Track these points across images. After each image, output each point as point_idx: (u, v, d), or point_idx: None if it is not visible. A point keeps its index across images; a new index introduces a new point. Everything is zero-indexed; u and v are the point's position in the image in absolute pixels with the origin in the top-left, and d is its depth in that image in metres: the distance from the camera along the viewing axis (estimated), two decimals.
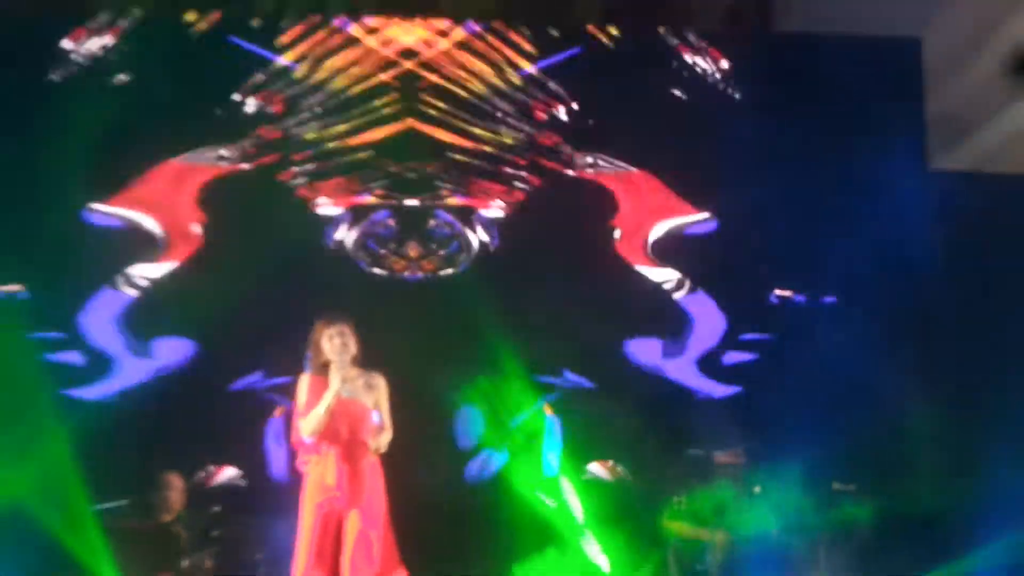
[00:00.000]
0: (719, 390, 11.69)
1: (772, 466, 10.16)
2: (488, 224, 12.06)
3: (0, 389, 10.39)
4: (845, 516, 10.08)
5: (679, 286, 11.91)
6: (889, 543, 9.88)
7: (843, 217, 11.41)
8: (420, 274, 11.74)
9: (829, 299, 11.81)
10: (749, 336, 11.83)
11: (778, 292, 11.91)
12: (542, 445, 11.65)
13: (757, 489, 10.08)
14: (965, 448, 10.52)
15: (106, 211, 11.43)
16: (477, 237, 11.95)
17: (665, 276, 11.94)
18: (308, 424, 7.91)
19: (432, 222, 11.92)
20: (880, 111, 11.76)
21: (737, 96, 12.27)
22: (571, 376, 11.69)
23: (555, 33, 12.37)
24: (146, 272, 11.39)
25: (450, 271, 11.73)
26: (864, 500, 10.21)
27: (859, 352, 10.47)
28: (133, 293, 11.33)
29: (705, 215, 12.05)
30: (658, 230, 12.13)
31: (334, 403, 7.82)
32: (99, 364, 11.25)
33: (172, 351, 11.21)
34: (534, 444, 11.61)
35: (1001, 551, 9.58)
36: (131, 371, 11.21)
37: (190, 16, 11.96)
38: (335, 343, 7.85)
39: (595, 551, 10.85)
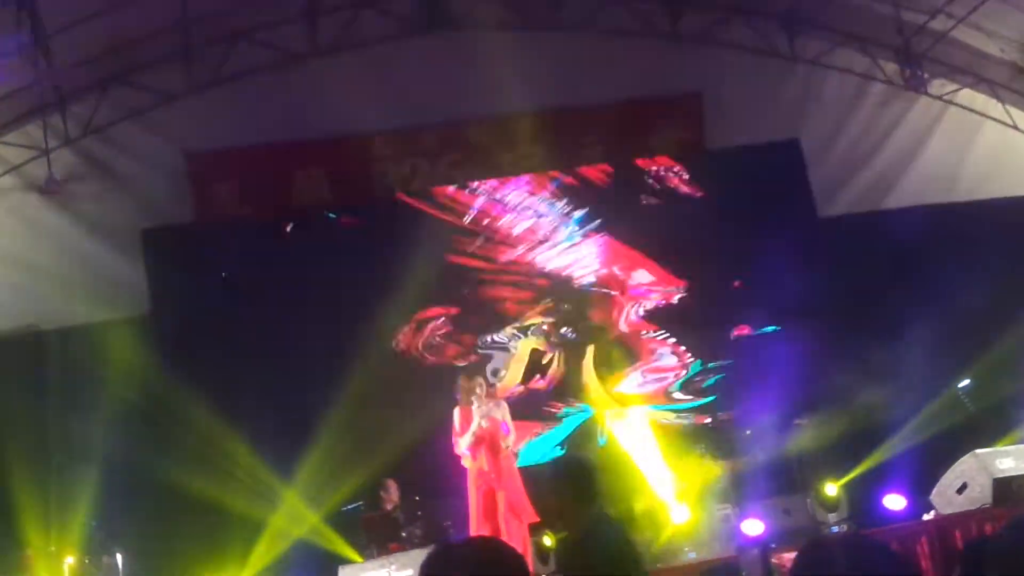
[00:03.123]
0: None
1: (756, 417, 14.38)
2: None
3: None
4: (804, 441, 14.10)
5: None
6: (833, 452, 13.87)
7: None
8: None
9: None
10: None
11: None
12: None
13: (748, 432, 14.39)
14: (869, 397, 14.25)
15: None
16: None
17: None
18: (463, 443, 12.00)
19: None
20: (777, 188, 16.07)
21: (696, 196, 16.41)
22: None
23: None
24: None
25: None
26: (814, 429, 14.13)
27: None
28: None
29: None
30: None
31: (478, 430, 11.93)
32: None
33: None
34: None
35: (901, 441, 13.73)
36: None
37: None
38: (474, 389, 12.14)
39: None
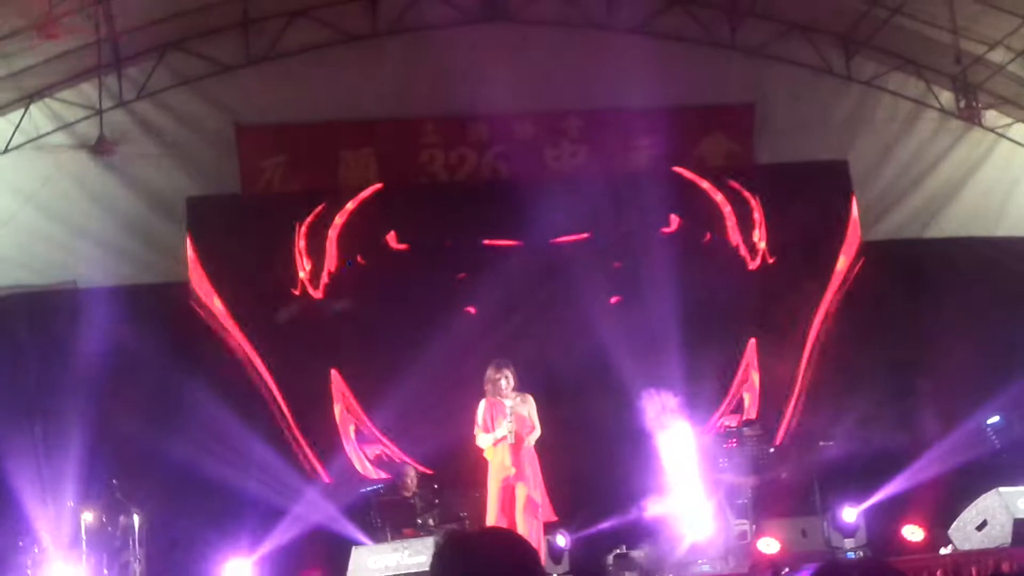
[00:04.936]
0: None
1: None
2: None
3: None
4: (826, 460, 13.96)
5: None
6: (855, 477, 13.57)
7: None
8: None
9: None
10: None
11: None
12: None
13: (771, 449, 14.21)
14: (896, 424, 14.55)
15: None
16: None
17: None
18: (484, 442, 11.79)
19: None
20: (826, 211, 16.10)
21: None
22: None
23: None
24: None
25: None
26: (839, 450, 13.99)
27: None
28: None
29: None
30: None
31: (501, 439, 11.62)
32: None
33: None
34: None
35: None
36: None
37: None
38: (501, 381, 11.79)
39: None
